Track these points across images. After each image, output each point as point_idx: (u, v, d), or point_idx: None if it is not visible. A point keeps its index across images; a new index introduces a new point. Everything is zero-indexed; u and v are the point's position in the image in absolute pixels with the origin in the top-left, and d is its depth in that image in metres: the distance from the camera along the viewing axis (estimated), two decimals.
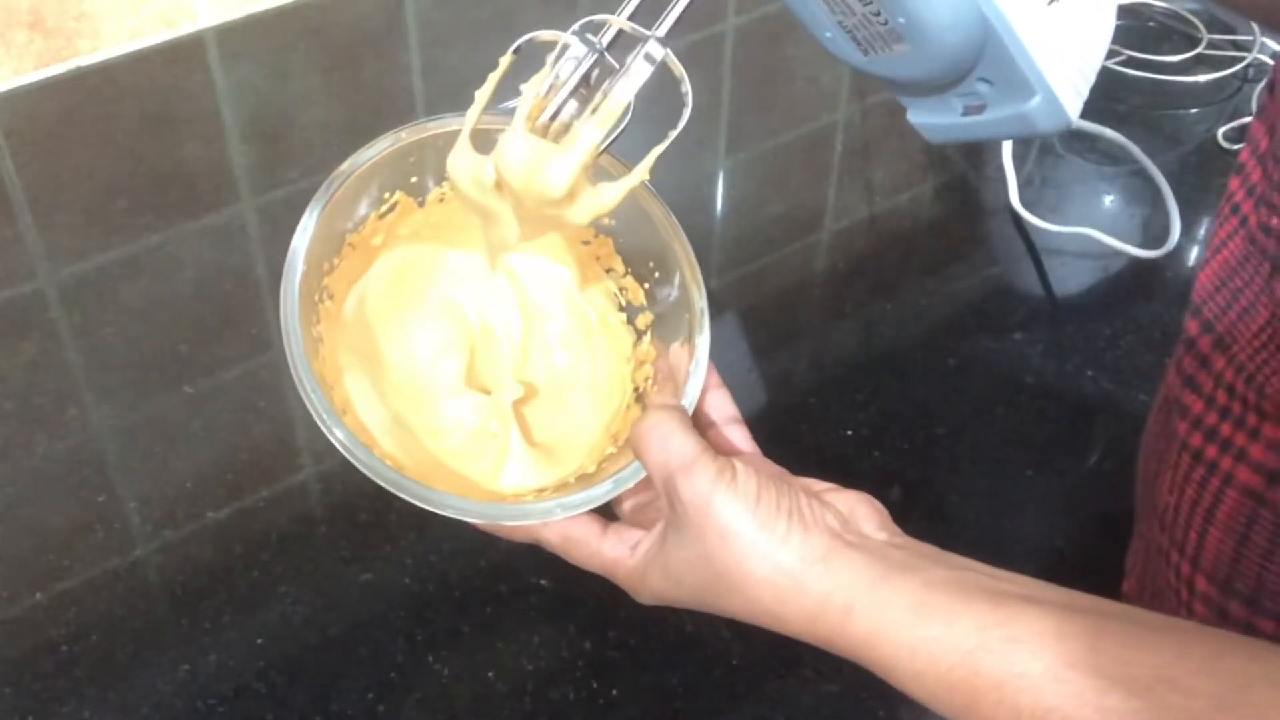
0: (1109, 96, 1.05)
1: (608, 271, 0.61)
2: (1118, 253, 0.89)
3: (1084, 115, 0.84)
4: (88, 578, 0.68)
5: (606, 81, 0.50)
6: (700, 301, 0.57)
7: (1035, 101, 0.46)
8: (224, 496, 0.72)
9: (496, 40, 0.53)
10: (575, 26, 0.50)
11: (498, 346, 0.61)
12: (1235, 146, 0.98)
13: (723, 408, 0.58)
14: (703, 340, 0.57)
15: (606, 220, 0.59)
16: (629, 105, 0.48)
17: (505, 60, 0.52)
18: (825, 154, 1.00)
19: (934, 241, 0.92)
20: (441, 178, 0.60)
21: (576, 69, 0.51)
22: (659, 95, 0.51)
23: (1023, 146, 0.98)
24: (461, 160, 0.54)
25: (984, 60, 0.44)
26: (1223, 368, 0.54)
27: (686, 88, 0.49)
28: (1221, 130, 1.00)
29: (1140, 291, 0.87)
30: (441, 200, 0.61)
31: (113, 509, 0.72)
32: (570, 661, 0.65)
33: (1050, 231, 0.90)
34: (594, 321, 0.62)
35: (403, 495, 0.50)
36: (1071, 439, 0.77)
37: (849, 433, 0.77)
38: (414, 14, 1.11)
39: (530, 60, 0.52)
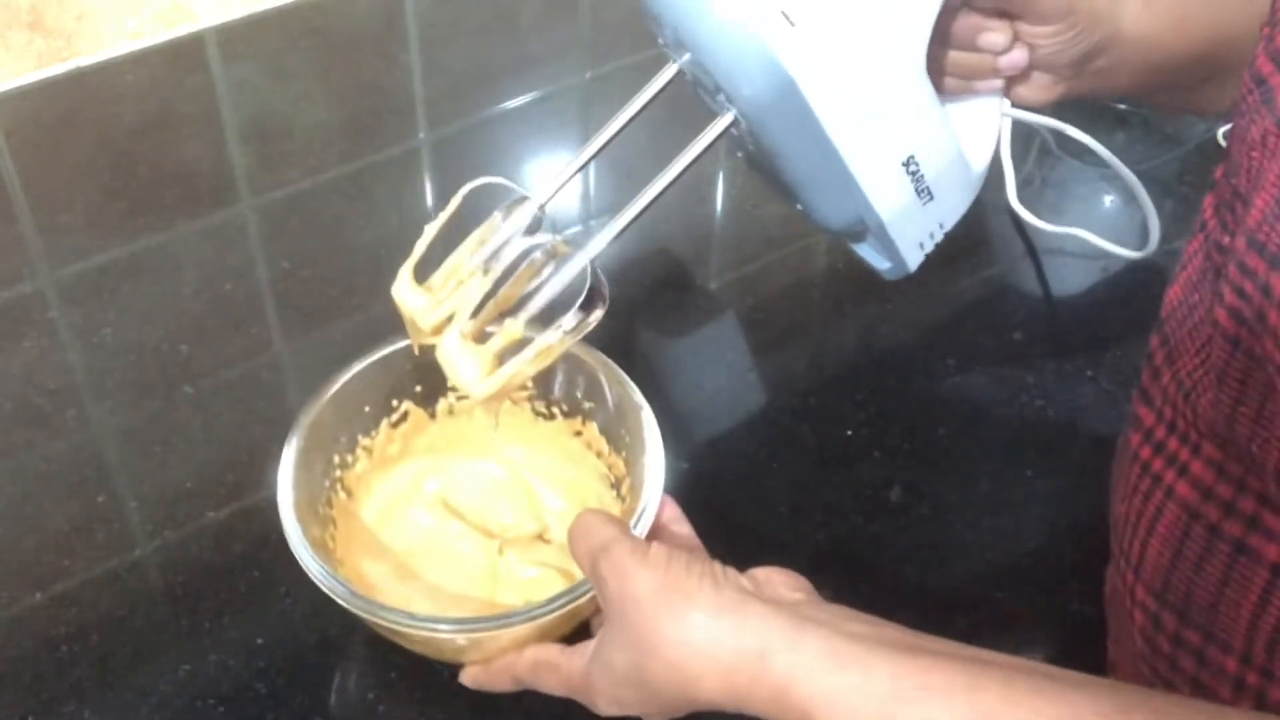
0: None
1: (598, 455, 0.68)
2: (1109, 254, 0.89)
3: (1076, 120, 0.88)
4: (88, 578, 0.68)
5: (537, 281, 0.55)
6: (648, 414, 0.63)
7: (887, 266, 0.61)
8: (224, 496, 0.72)
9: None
10: (516, 204, 0.56)
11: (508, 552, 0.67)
12: None
13: (668, 511, 0.61)
14: (653, 445, 0.62)
15: (586, 404, 0.68)
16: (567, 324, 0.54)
17: (455, 201, 0.57)
18: None
19: None
20: (444, 388, 0.69)
21: (513, 258, 0.56)
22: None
23: (1021, 147, 0.98)
24: (403, 294, 0.59)
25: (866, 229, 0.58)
26: (1168, 382, 0.55)
27: (604, 298, 0.54)
28: (1221, 130, 1.00)
29: (1140, 291, 0.87)
30: (451, 413, 0.70)
31: (113, 509, 0.72)
32: None
33: (1046, 232, 0.90)
34: (592, 505, 0.67)
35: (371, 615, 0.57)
36: (1071, 439, 0.77)
37: (849, 433, 0.77)
38: (414, 14, 1.11)
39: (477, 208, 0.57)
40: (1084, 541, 0.71)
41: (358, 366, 0.65)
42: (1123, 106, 1.00)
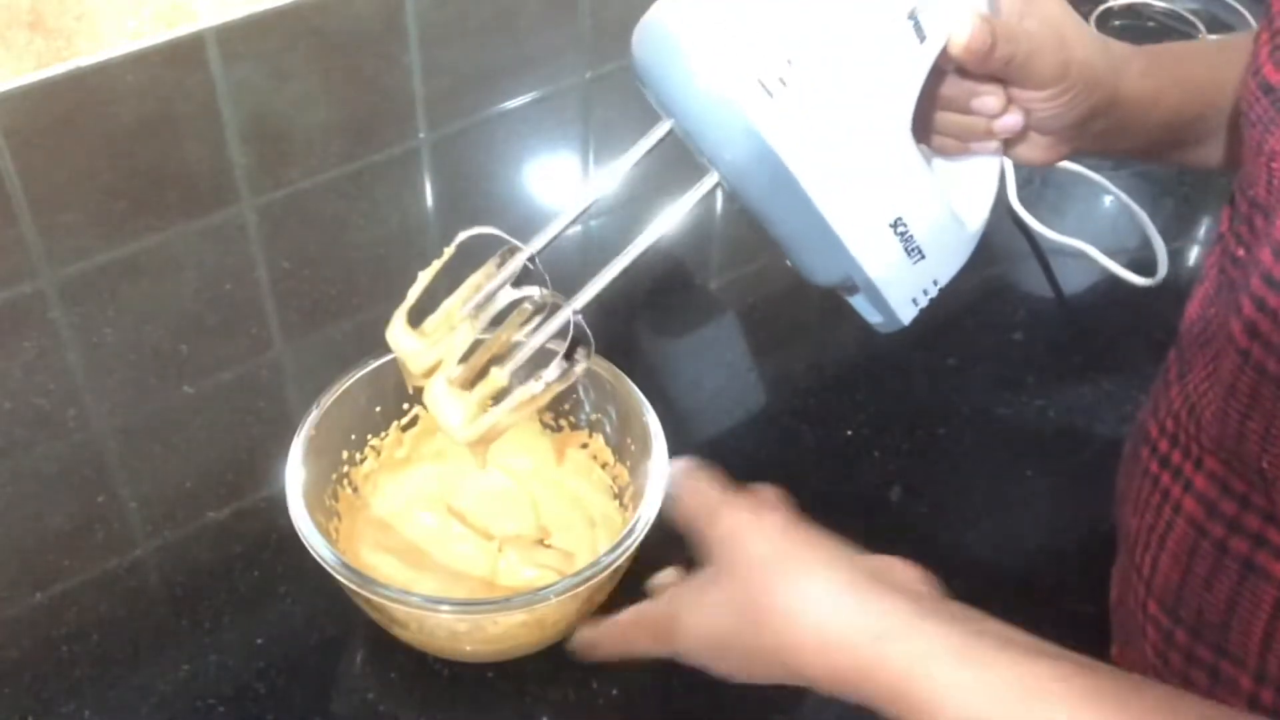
0: None
1: (603, 466, 0.69)
2: (1113, 265, 0.89)
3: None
4: (88, 578, 0.68)
5: (525, 330, 0.57)
6: (654, 424, 0.64)
7: (880, 320, 0.61)
8: (224, 496, 0.72)
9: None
10: (509, 254, 0.57)
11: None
12: None
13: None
14: (658, 451, 0.63)
15: (594, 416, 0.69)
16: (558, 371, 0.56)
17: (449, 250, 0.58)
18: None
19: None
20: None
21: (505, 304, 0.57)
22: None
23: None
24: (396, 338, 0.60)
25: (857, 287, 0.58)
26: (1175, 394, 0.55)
27: (588, 350, 0.56)
28: None
29: (1140, 291, 0.87)
30: None
31: (113, 509, 0.72)
32: (570, 661, 0.65)
33: (1047, 238, 0.90)
34: (596, 517, 0.69)
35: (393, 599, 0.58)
36: (1071, 439, 0.77)
37: (849, 433, 0.77)
38: (414, 14, 1.11)
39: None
40: (1084, 541, 0.71)
41: (374, 364, 0.66)
42: None
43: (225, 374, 0.80)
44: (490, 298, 0.56)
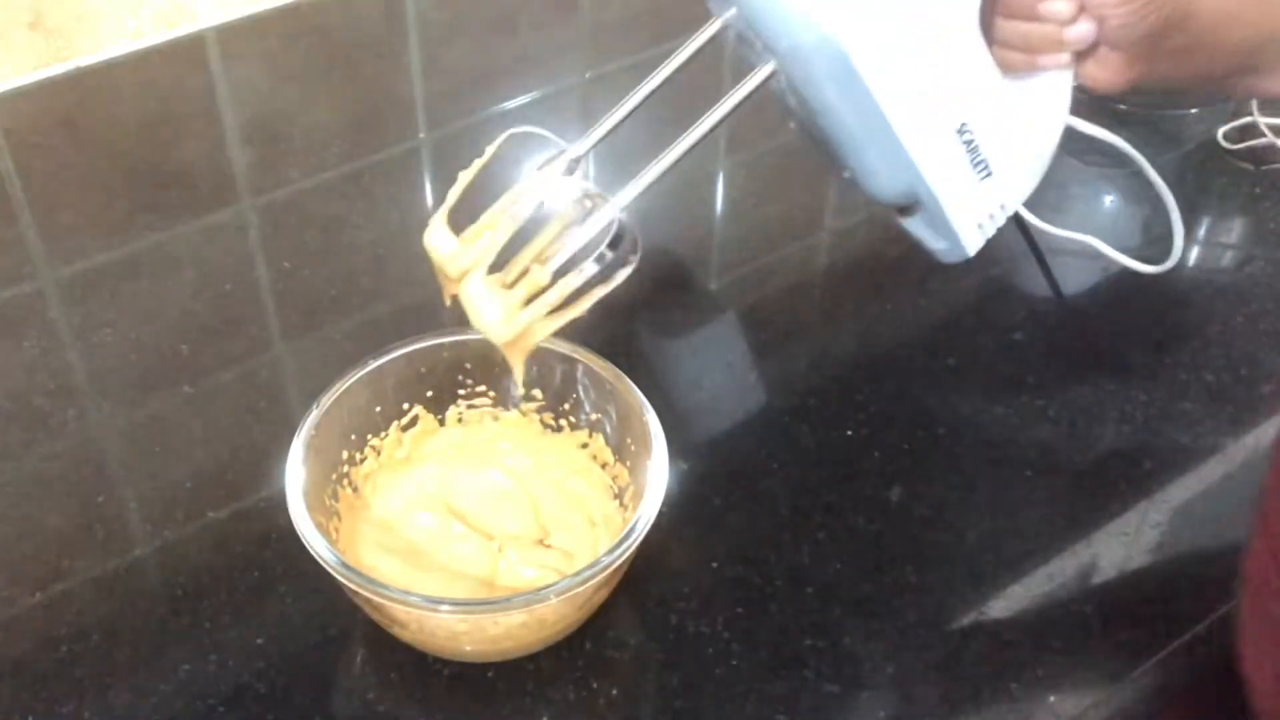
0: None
1: (603, 466, 0.69)
2: (1116, 261, 0.89)
3: (1082, 115, 0.86)
4: (88, 578, 0.68)
5: (564, 229, 0.56)
6: (654, 424, 0.64)
7: (943, 246, 0.57)
8: (224, 496, 0.72)
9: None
10: (552, 158, 0.56)
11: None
12: (1235, 146, 0.98)
13: None
14: (658, 450, 0.63)
15: (594, 416, 0.68)
16: (602, 254, 0.55)
17: (491, 149, 0.58)
18: None
19: None
20: (454, 395, 0.70)
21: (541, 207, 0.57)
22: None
23: None
24: (433, 240, 0.58)
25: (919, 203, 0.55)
26: None
27: (635, 248, 0.54)
28: (1221, 130, 1.00)
29: (1141, 291, 0.87)
30: (460, 421, 0.71)
31: (113, 509, 0.72)
32: (570, 661, 0.65)
33: (1050, 234, 0.90)
34: (597, 517, 0.68)
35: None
36: (1071, 439, 0.77)
37: (849, 433, 0.77)
38: (414, 14, 1.11)
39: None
40: (1084, 542, 0.71)
41: (374, 364, 0.66)
42: (1123, 107, 1.00)
43: (225, 374, 0.80)
44: (530, 198, 0.55)
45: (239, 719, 0.62)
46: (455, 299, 0.58)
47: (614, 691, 0.64)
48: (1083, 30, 0.55)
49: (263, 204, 0.93)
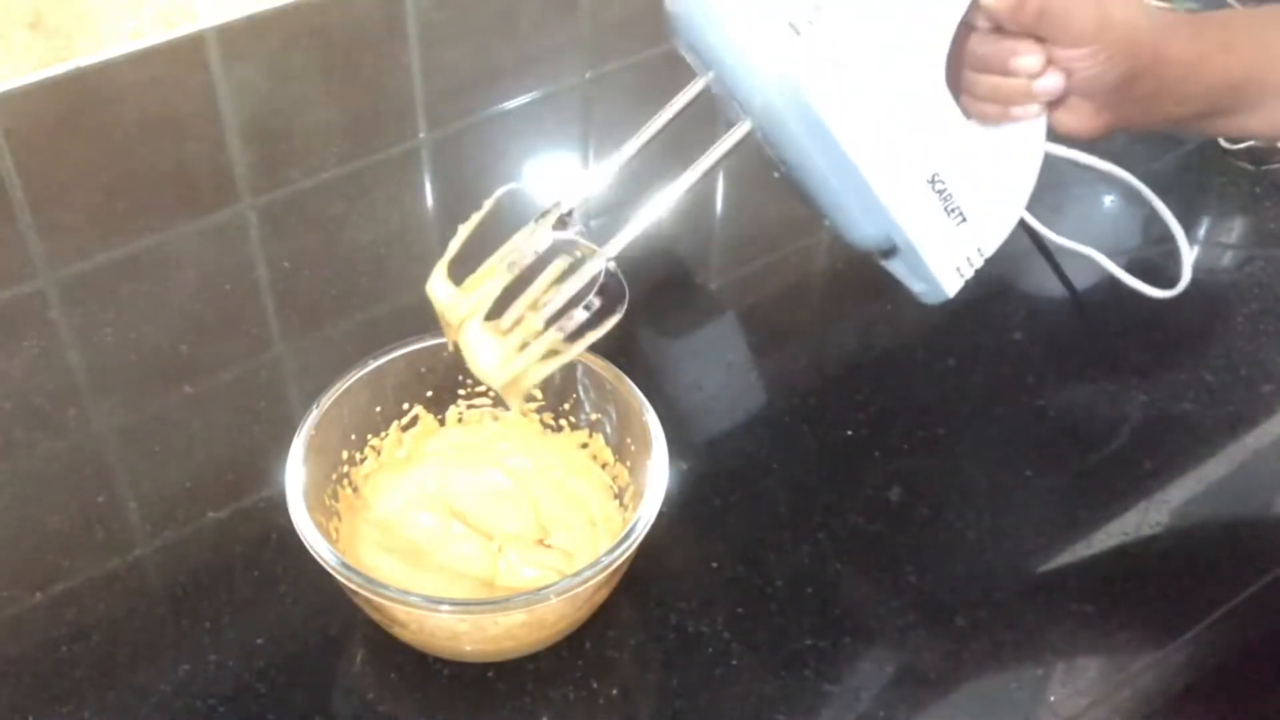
0: None
1: (603, 466, 0.69)
2: (1122, 266, 0.89)
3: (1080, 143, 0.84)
4: (88, 578, 0.68)
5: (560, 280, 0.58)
6: (654, 424, 0.64)
7: (922, 289, 0.60)
8: (224, 496, 0.72)
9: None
10: (547, 210, 0.59)
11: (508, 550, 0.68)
12: (1234, 147, 0.98)
13: None
14: (658, 450, 0.63)
15: (594, 416, 0.69)
16: (588, 304, 0.58)
17: (487, 204, 0.60)
18: None
19: None
20: (454, 395, 0.70)
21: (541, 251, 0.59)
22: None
23: None
24: (435, 289, 0.61)
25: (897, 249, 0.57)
26: None
27: (622, 298, 0.58)
28: None
29: (1141, 290, 0.87)
30: (460, 421, 0.71)
31: (113, 509, 0.72)
32: (570, 661, 0.65)
33: (1052, 240, 0.90)
34: (597, 517, 0.69)
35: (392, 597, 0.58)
36: (1071, 439, 0.77)
37: (849, 433, 0.77)
38: (414, 14, 1.11)
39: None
40: (1084, 542, 0.71)
41: (374, 364, 0.67)
42: None
43: (225, 374, 0.80)
44: (526, 248, 0.58)
45: (239, 719, 0.62)
46: (457, 346, 0.61)
47: (614, 691, 0.64)
48: (1052, 82, 0.57)
49: (263, 204, 0.93)
